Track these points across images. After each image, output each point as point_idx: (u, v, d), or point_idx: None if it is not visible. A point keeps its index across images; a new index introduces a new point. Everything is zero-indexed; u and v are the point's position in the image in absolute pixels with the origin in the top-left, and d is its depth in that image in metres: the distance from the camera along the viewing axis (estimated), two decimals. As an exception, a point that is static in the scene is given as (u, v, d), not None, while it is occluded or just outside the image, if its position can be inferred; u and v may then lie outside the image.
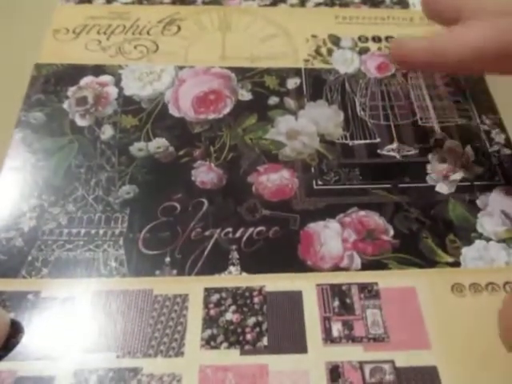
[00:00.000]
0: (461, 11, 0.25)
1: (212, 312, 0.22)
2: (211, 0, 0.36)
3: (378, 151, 0.29)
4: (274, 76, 0.32)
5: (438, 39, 0.25)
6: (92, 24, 0.34)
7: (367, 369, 0.21)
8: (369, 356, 0.21)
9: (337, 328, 0.22)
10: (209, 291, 0.23)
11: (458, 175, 0.28)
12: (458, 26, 0.25)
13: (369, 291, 0.23)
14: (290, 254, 0.24)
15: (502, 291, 0.23)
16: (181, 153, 0.28)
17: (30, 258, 0.24)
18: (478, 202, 0.27)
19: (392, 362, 0.21)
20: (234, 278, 0.23)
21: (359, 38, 0.35)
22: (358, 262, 0.24)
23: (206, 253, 0.24)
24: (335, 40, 0.34)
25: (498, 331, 0.21)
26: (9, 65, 0.32)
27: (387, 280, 0.24)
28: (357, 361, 0.21)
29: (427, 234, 0.25)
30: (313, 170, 0.28)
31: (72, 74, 0.31)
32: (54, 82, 0.31)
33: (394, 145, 0.29)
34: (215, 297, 0.23)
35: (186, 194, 0.26)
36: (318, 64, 0.33)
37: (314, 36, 0.34)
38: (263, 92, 0.31)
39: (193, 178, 0.27)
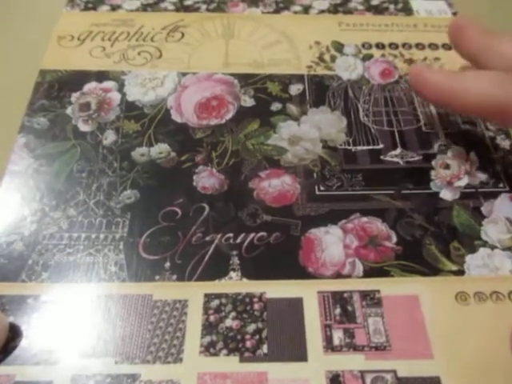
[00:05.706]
0: (477, 57, 0.26)
1: (211, 318, 0.22)
2: (215, 7, 0.37)
3: (381, 157, 0.29)
4: (277, 82, 0.32)
5: (452, 78, 0.25)
6: (96, 31, 0.34)
7: (368, 378, 0.21)
8: (370, 365, 0.21)
9: (338, 336, 0.22)
10: (208, 297, 0.23)
11: (462, 182, 0.27)
12: (471, 72, 0.26)
13: (371, 299, 0.23)
14: (291, 260, 0.24)
15: (507, 300, 0.23)
16: (183, 158, 0.28)
17: (30, 261, 0.24)
18: (483, 209, 0.26)
19: (394, 371, 0.21)
20: (234, 284, 0.23)
21: (363, 45, 0.35)
22: (360, 268, 0.24)
23: (206, 258, 0.24)
24: (338, 47, 0.34)
25: (510, 347, 0.21)
26: (13, 70, 0.33)
27: (390, 288, 0.23)
28: (358, 370, 0.21)
29: (431, 241, 0.25)
30: (315, 175, 0.28)
31: (76, 80, 0.31)
32: (57, 87, 0.31)
33: (398, 151, 0.29)
34: (215, 303, 0.23)
35: (188, 199, 0.26)
36: (320, 70, 0.33)
37: (317, 43, 0.34)
38: (266, 98, 0.31)
39: (194, 184, 0.27)
